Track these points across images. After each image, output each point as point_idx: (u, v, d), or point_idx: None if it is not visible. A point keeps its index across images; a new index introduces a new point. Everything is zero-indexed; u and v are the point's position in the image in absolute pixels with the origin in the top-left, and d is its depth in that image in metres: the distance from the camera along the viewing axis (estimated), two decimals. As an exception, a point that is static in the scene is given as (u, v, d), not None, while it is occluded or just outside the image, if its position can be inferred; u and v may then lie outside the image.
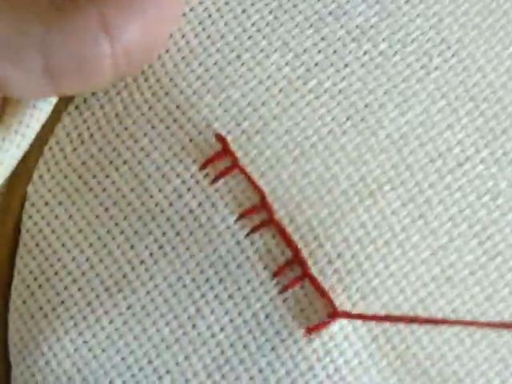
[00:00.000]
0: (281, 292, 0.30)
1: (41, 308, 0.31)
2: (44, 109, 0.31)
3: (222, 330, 0.30)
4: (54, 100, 0.31)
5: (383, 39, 0.31)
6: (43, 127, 0.32)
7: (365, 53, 0.31)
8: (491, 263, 0.30)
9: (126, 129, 0.31)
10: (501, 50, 0.31)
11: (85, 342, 0.30)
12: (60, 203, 0.32)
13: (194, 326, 0.30)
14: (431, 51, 0.31)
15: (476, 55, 0.31)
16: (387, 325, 0.30)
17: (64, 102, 0.32)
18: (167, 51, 0.31)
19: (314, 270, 0.30)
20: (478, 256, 0.30)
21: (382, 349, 0.30)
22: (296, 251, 0.30)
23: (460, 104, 0.31)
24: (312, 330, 0.30)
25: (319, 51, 0.31)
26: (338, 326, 0.30)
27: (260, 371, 0.30)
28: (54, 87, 0.29)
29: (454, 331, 0.30)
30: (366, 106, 0.31)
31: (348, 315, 0.29)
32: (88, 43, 0.28)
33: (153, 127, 0.31)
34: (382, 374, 0.30)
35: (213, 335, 0.30)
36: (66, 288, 0.31)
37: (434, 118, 0.31)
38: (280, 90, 0.31)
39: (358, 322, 0.30)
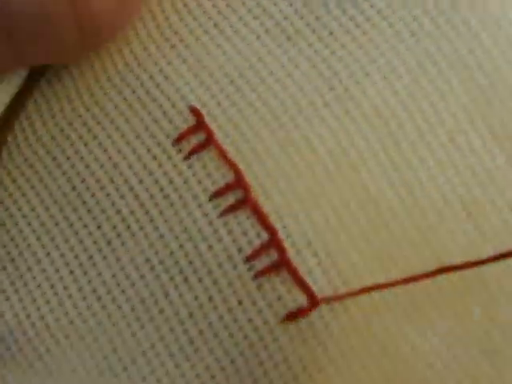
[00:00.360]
0: (255, 278, 0.28)
1: (3, 291, 0.30)
2: (12, 82, 0.30)
3: (190, 316, 0.28)
4: (23, 73, 0.30)
5: (371, 5, 0.29)
6: (14, 104, 0.30)
7: (350, 18, 0.29)
8: (484, 241, 0.28)
9: (96, 102, 0.30)
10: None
11: (46, 323, 0.29)
12: (27, 180, 0.30)
13: (160, 311, 0.28)
14: (421, 17, 0.28)
15: (471, 20, 0.29)
16: (368, 312, 0.27)
17: (35, 78, 0.30)
18: (141, 19, 0.30)
19: (291, 253, 0.27)
20: (471, 238, 0.28)
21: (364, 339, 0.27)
22: (273, 234, 0.28)
23: (453, 73, 0.28)
24: (289, 318, 0.27)
25: (301, 17, 0.29)
26: (317, 315, 0.27)
27: (232, 362, 0.28)
28: (16, 55, 0.27)
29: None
30: (351, 75, 0.28)
31: (332, 298, 0.27)
32: (46, 1, 0.26)
33: (124, 99, 0.29)
34: (364, 368, 0.27)
35: (181, 322, 0.28)
36: (29, 269, 0.29)
37: (424, 88, 0.28)
38: (258, 60, 0.29)
39: (340, 310, 0.27)
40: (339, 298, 0.27)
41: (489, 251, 0.27)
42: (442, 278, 0.27)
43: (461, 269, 0.27)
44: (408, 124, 0.28)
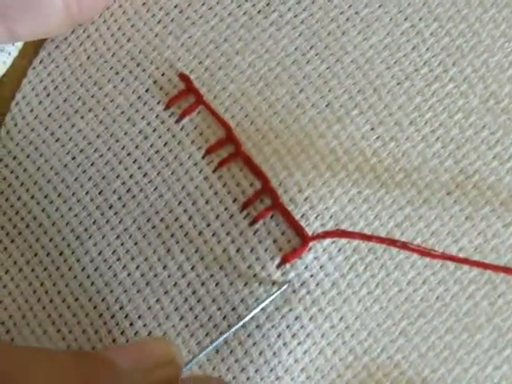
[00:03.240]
0: (251, 224, 0.29)
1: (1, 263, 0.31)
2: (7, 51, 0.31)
3: (192, 268, 0.29)
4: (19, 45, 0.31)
5: None
6: (8, 83, 0.32)
7: None
8: (469, 182, 0.29)
9: (89, 77, 0.31)
10: None
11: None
12: (28, 156, 0.31)
13: (164, 267, 0.29)
14: None
15: None
16: (365, 251, 0.28)
17: (28, 59, 0.32)
18: None
19: (284, 200, 0.29)
20: (454, 175, 0.29)
21: (361, 277, 0.28)
22: (265, 181, 0.29)
23: (424, 25, 0.30)
24: (285, 259, 0.28)
25: None
26: (312, 256, 0.28)
27: (233, 309, 0.29)
28: (7, 29, 0.29)
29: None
30: (329, 33, 0.30)
31: (321, 236, 0.28)
32: None
33: (116, 73, 0.31)
34: (362, 303, 0.29)
35: (183, 275, 0.29)
36: (37, 240, 0.30)
37: (398, 40, 0.30)
38: (241, 26, 0.31)
39: (334, 251, 0.28)
40: (330, 234, 0.28)
41: (469, 186, 0.29)
42: None
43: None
44: (385, 74, 0.30)
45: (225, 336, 0.28)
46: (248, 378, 0.28)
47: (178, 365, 0.26)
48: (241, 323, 0.28)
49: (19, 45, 0.32)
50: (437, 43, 0.30)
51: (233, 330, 0.28)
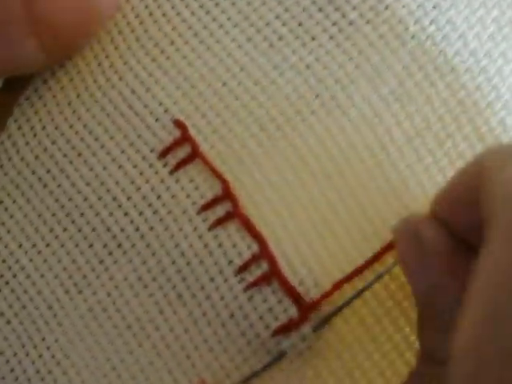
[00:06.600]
0: (246, 289, 0.28)
1: (2, 314, 0.29)
2: None
3: (186, 331, 0.28)
4: None
5: (353, 8, 0.28)
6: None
7: (333, 23, 0.28)
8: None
9: (79, 119, 0.29)
10: None
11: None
12: (14, 201, 0.29)
13: (156, 329, 0.28)
14: (406, 19, 0.28)
15: (457, 21, 0.28)
16: None
17: (14, 96, 0.30)
18: (120, 32, 0.29)
19: (282, 263, 0.27)
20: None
21: None
22: (263, 245, 0.27)
23: (439, 76, 0.28)
24: (280, 331, 0.27)
25: (283, 24, 0.28)
26: (309, 327, 0.27)
27: (228, 376, 0.28)
28: None
29: None
30: (336, 81, 0.28)
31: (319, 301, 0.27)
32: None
33: (107, 115, 0.29)
34: None
35: (176, 338, 0.28)
36: (25, 292, 0.29)
37: (410, 91, 0.28)
38: (241, 69, 0.28)
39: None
40: (326, 296, 0.27)
41: None
42: None
43: None
44: (395, 129, 0.28)
45: None
46: None
47: None
48: None
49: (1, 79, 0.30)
50: (452, 97, 0.28)
51: None
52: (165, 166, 0.28)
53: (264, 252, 0.27)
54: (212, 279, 0.28)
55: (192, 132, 0.28)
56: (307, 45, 0.28)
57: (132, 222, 0.28)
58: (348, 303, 0.27)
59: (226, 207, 0.28)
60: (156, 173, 0.28)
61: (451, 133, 0.28)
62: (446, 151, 0.28)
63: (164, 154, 0.28)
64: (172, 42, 0.29)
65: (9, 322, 0.29)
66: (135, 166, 0.28)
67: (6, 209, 0.30)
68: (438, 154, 0.28)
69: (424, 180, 0.27)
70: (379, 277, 0.27)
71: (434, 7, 0.28)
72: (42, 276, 0.29)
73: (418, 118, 0.28)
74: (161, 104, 0.29)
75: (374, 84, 0.28)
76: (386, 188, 0.28)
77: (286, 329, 0.27)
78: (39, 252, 0.29)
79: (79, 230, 0.29)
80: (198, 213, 0.28)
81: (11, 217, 0.29)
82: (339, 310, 0.27)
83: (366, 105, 0.28)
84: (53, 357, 0.29)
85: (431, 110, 0.28)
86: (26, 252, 0.29)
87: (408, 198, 0.27)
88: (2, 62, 0.27)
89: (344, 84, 0.28)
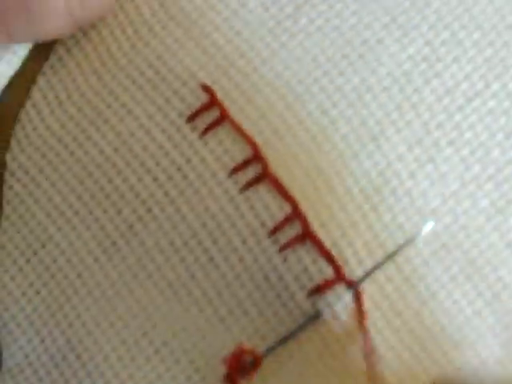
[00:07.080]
0: (280, 251, 0.28)
1: (31, 284, 0.29)
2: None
3: (219, 294, 0.28)
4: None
5: None
6: (17, 91, 0.30)
7: None
8: (509, 207, 0.28)
9: (104, 86, 0.29)
10: None
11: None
12: (41, 170, 0.29)
13: (188, 293, 0.28)
14: None
15: None
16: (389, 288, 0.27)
17: (38, 63, 0.30)
18: None
19: (315, 225, 0.27)
20: (493, 200, 0.28)
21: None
22: (295, 206, 0.27)
23: (465, 34, 0.28)
24: (315, 291, 0.27)
25: None
26: (344, 287, 0.27)
27: (263, 339, 0.28)
28: (4, 31, 0.27)
29: None
30: (363, 42, 0.28)
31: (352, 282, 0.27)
32: None
33: (133, 81, 0.29)
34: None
35: (209, 302, 0.28)
36: (54, 260, 0.29)
37: (437, 51, 0.28)
38: (268, 32, 0.28)
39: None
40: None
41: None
42: None
43: None
44: (424, 88, 0.28)
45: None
46: None
47: None
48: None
49: (28, 44, 0.29)
50: (479, 54, 0.28)
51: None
52: (193, 130, 0.28)
53: (296, 213, 0.27)
54: (244, 241, 0.28)
55: (220, 95, 0.28)
56: (334, 7, 0.28)
57: (161, 186, 0.28)
58: (380, 265, 0.27)
59: (256, 169, 0.28)
60: (184, 137, 0.28)
61: (479, 91, 0.28)
62: (475, 108, 0.28)
63: (192, 118, 0.28)
64: (197, 8, 0.29)
65: (38, 292, 0.29)
66: (163, 131, 0.28)
67: (33, 178, 0.29)
68: (468, 111, 0.28)
69: (455, 138, 0.28)
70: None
71: None
72: (71, 244, 0.29)
73: (445, 76, 0.28)
74: (187, 68, 0.29)
75: (401, 43, 0.28)
76: (417, 150, 0.28)
77: (321, 289, 0.27)
78: (68, 221, 0.29)
79: (107, 197, 0.29)
80: (228, 176, 0.28)
81: (38, 186, 0.29)
82: (374, 269, 0.27)
83: (394, 64, 0.28)
84: (83, 325, 0.29)
85: (458, 68, 0.28)
86: (55, 221, 0.29)
87: (440, 156, 0.28)
88: (29, 23, 0.27)
89: (371, 44, 0.28)
